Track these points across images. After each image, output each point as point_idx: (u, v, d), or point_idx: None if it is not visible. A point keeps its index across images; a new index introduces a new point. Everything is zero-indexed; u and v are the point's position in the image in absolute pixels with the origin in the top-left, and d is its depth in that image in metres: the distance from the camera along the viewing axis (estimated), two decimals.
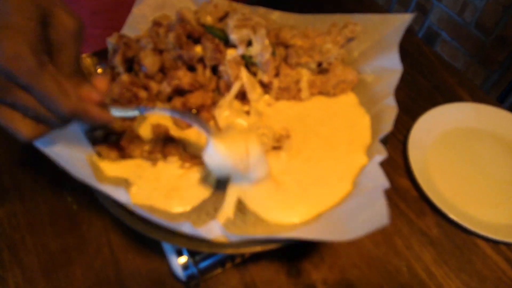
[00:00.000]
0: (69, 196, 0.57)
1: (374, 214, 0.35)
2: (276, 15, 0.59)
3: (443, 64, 0.78)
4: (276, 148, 0.47)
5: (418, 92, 0.72)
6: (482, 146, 0.63)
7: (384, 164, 0.56)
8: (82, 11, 0.77)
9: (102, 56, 0.74)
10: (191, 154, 0.46)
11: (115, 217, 0.41)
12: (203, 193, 0.43)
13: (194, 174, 0.44)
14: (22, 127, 0.36)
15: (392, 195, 0.57)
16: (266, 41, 0.48)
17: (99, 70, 0.57)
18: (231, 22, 0.48)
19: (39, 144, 0.40)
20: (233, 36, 0.48)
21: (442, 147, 0.62)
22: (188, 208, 0.42)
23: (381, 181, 0.38)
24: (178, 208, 0.42)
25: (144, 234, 0.39)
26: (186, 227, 0.37)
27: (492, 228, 0.52)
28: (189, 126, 0.49)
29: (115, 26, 0.77)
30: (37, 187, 0.58)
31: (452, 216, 0.52)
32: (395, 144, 0.63)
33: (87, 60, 0.74)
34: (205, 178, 0.44)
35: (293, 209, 0.43)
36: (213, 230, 0.38)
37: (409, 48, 0.79)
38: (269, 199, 0.43)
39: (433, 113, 0.64)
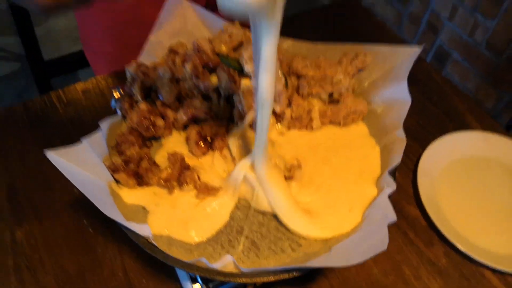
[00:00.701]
0: (85, 219, 0.59)
1: (377, 242, 0.38)
2: (288, 44, 0.61)
3: (453, 90, 0.79)
4: (288, 178, 0.48)
5: (428, 119, 0.73)
6: (490, 175, 0.64)
7: (393, 193, 0.57)
8: (96, 28, 0.80)
9: (116, 77, 0.76)
10: (205, 184, 0.47)
11: (135, 244, 0.43)
12: (218, 223, 0.45)
13: (209, 204, 0.46)
14: None
15: (402, 224, 0.58)
16: (279, 72, 0.50)
17: (115, 94, 0.59)
18: (245, 53, 0.50)
19: (65, 173, 0.42)
20: (248, 67, 0.50)
21: (451, 176, 0.63)
22: (204, 239, 0.44)
23: (389, 215, 0.39)
24: (195, 239, 0.44)
25: (163, 261, 0.41)
26: (203, 262, 0.39)
27: (499, 259, 0.53)
28: (204, 154, 0.50)
29: (126, 44, 0.79)
30: (54, 209, 0.60)
31: (460, 246, 0.53)
32: (405, 172, 0.64)
33: (101, 83, 0.77)
34: (219, 209, 0.46)
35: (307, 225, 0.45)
36: (227, 263, 0.39)
37: (418, 74, 0.80)
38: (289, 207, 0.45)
39: (442, 141, 0.65)
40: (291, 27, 0.76)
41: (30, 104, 0.74)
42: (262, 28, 0.35)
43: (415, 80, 0.79)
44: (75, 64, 2.00)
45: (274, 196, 0.46)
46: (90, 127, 0.69)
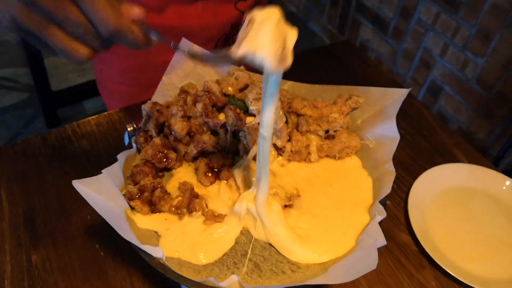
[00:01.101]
0: (97, 244, 0.63)
1: (369, 262, 0.42)
2: (288, 85, 0.67)
3: (441, 126, 0.84)
4: (288, 206, 0.53)
5: (418, 152, 0.78)
6: (476, 205, 0.68)
7: (386, 221, 0.62)
8: (112, 70, 0.86)
9: (128, 112, 0.82)
10: (213, 211, 0.52)
11: (144, 267, 0.47)
12: (224, 248, 0.50)
13: (215, 230, 0.51)
14: (79, 46, 0.36)
15: (394, 249, 0.62)
16: (281, 112, 0.55)
17: (129, 128, 0.64)
18: (250, 95, 0.56)
19: (89, 200, 0.47)
20: (252, 107, 0.55)
21: (440, 205, 0.68)
22: (211, 261, 0.48)
23: (379, 239, 0.44)
24: (203, 261, 0.48)
25: (174, 281, 0.45)
26: (211, 281, 0.44)
27: (486, 282, 0.57)
28: (212, 183, 0.55)
29: (140, 84, 0.85)
30: (68, 234, 0.64)
31: (449, 270, 0.57)
32: (397, 201, 0.69)
33: (114, 117, 0.82)
34: (226, 235, 0.51)
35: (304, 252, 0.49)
36: (233, 283, 0.44)
37: (410, 110, 0.86)
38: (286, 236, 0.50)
39: (431, 173, 0.70)
40: (293, 67, 0.83)
41: (47, 136, 0.79)
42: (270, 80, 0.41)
43: (407, 116, 0.85)
44: (81, 95, 2.08)
45: (272, 232, 0.50)
46: (102, 158, 0.75)
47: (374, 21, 2.12)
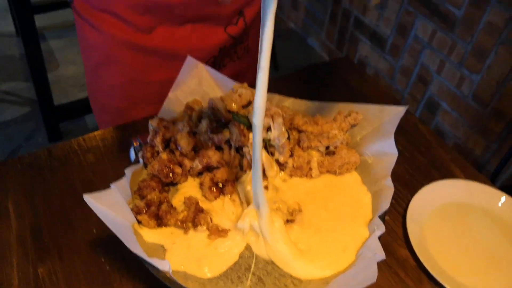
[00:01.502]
0: (103, 257, 0.64)
1: (368, 276, 0.44)
2: (289, 102, 0.69)
3: (438, 142, 0.86)
4: (290, 221, 0.54)
5: (416, 168, 0.80)
6: (473, 220, 0.70)
7: (385, 235, 0.63)
8: (104, 85, 0.86)
9: (132, 126, 0.84)
10: (217, 226, 0.54)
11: (149, 280, 0.48)
12: (228, 262, 0.51)
13: (220, 244, 0.52)
14: None
15: (393, 264, 0.64)
16: (283, 128, 0.58)
17: (135, 143, 0.66)
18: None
19: (99, 214, 0.48)
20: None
21: (438, 220, 0.69)
22: (216, 274, 0.50)
23: (378, 253, 0.46)
24: (208, 274, 0.50)
25: None
26: None
27: None
28: (216, 198, 0.57)
29: (131, 100, 0.85)
30: (74, 247, 0.66)
31: (447, 285, 0.59)
32: (395, 216, 0.70)
33: (118, 132, 0.84)
34: (230, 250, 0.52)
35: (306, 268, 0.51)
36: None
37: (407, 127, 0.88)
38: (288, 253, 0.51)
39: (429, 189, 0.72)
40: (293, 83, 0.86)
41: (53, 150, 0.81)
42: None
43: (404, 132, 0.87)
44: (83, 109, 2.10)
45: (274, 248, 0.52)
46: (108, 171, 0.76)
47: (372, 38, 2.16)
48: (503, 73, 1.57)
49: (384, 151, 0.60)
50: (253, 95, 0.64)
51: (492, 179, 1.59)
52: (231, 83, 0.67)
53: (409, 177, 0.79)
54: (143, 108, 0.81)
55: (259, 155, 0.49)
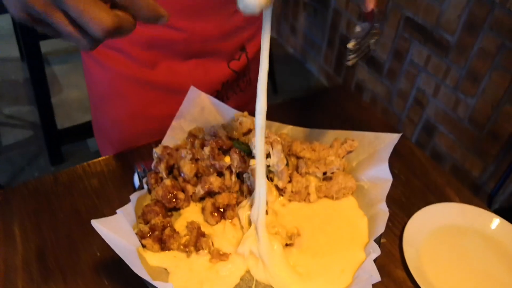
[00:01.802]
0: (106, 280, 0.65)
1: None
2: (288, 129, 0.72)
3: (433, 166, 0.89)
4: (289, 245, 0.56)
5: (412, 191, 0.82)
6: (468, 243, 0.72)
7: (382, 257, 0.65)
8: (105, 118, 0.88)
9: (136, 153, 0.86)
10: (218, 250, 0.56)
11: None
12: (229, 284, 0.53)
13: (221, 267, 0.54)
14: (82, 37, 0.35)
15: (390, 285, 0.65)
16: (282, 155, 0.60)
17: (138, 169, 0.69)
18: (253, 139, 0.60)
19: (106, 239, 0.50)
20: (255, 151, 0.60)
21: (434, 243, 0.71)
22: None
23: (374, 275, 0.48)
24: None
25: None
26: None
27: None
28: (217, 222, 0.59)
29: (131, 132, 0.86)
30: (78, 270, 0.67)
31: None
32: (392, 238, 0.72)
33: (122, 158, 0.86)
34: (231, 273, 0.54)
35: None
36: None
37: (402, 151, 0.91)
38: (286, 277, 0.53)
39: (424, 212, 0.74)
40: (292, 109, 0.89)
41: (59, 175, 0.83)
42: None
43: (400, 156, 0.90)
44: (85, 133, 2.13)
45: (273, 273, 0.54)
46: (112, 196, 0.78)
47: (369, 62, 2.21)
48: (498, 96, 1.61)
49: (379, 177, 0.62)
50: (253, 123, 0.67)
51: (490, 201, 1.61)
52: (232, 112, 0.70)
53: (405, 200, 0.81)
54: (144, 140, 0.83)
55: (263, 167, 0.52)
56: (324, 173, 0.64)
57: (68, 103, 2.41)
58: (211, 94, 0.83)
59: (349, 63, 0.57)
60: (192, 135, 0.66)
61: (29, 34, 1.71)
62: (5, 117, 2.35)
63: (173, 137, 0.68)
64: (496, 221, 0.74)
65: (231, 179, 0.61)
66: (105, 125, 0.89)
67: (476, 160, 1.79)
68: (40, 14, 0.35)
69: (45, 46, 1.93)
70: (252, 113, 0.73)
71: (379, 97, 2.20)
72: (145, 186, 0.62)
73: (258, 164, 0.54)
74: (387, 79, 2.12)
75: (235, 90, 0.88)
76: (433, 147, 1.97)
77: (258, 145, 0.53)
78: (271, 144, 0.60)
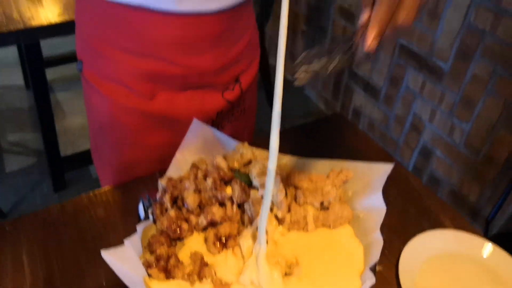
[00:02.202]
0: None
1: None
2: (286, 159, 0.75)
3: (428, 193, 0.92)
4: (288, 274, 0.59)
5: (407, 218, 0.85)
6: (463, 269, 0.74)
7: (379, 285, 0.67)
8: (105, 145, 0.91)
9: (141, 182, 0.89)
10: (220, 279, 0.58)
11: None
12: None
13: None
14: None
15: None
16: (281, 185, 0.63)
17: (144, 199, 0.72)
18: (254, 171, 0.64)
19: (114, 269, 0.53)
20: (256, 181, 0.63)
21: (429, 269, 0.73)
22: None
23: None
24: None
25: None
26: None
27: None
28: (219, 252, 0.62)
29: (129, 160, 0.88)
30: None
31: None
32: (388, 266, 0.74)
33: (127, 188, 0.89)
34: None
35: None
36: None
37: (397, 178, 0.94)
38: None
39: (419, 239, 0.76)
40: (290, 138, 0.92)
41: (65, 205, 0.86)
42: None
43: (395, 184, 0.92)
44: (88, 160, 2.16)
45: None
46: (117, 225, 0.81)
47: (366, 89, 2.26)
48: (492, 122, 1.65)
49: (374, 206, 0.65)
50: (253, 154, 0.71)
51: (487, 226, 1.63)
52: (233, 143, 0.74)
53: (400, 227, 0.83)
54: (143, 167, 0.87)
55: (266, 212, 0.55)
56: (321, 203, 0.67)
57: (71, 130, 2.46)
58: (206, 123, 0.87)
59: (297, 83, 0.58)
60: (195, 166, 0.69)
61: (36, 62, 1.76)
62: (9, 144, 2.39)
63: (177, 168, 0.71)
64: (490, 249, 0.76)
65: (232, 209, 0.64)
66: (104, 152, 0.92)
67: (473, 185, 1.81)
68: None
69: (50, 73, 1.99)
70: (250, 142, 0.76)
71: (377, 122, 2.24)
72: (151, 217, 0.65)
73: (264, 209, 0.57)
74: (384, 105, 2.17)
75: (230, 119, 0.92)
76: (431, 171, 2.00)
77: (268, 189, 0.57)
78: None
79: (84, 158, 2.16)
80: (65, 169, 2.11)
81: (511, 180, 1.52)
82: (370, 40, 0.50)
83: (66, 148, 2.28)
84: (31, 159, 2.30)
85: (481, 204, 1.77)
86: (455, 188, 1.88)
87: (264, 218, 0.57)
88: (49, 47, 2.19)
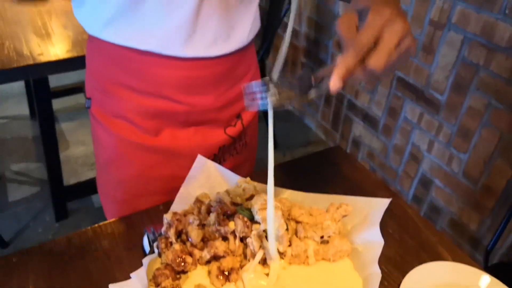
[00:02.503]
0: None
1: None
2: (287, 193, 0.78)
3: (426, 225, 0.94)
4: None
5: (406, 250, 0.86)
6: None
7: None
8: (110, 179, 0.94)
9: (145, 215, 0.91)
10: None
11: None
12: None
13: None
14: None
15: None
16: (282, 220, 0.66)
17: (149, 232, 0.74)
18: (256, 206, 0.66)
19: None
20: (258, 216, 0.66)
21: None
22: None
23: None
24: None
25: None
26: None
27: None
28: (222, 285, 0.63)
29: (133, 193, 0.92)
30: None
31: None
32: None
33: (132, 221, 0.91)
34: None
35: None
36: None
37: (396, 211, 0.96)
38: None
39: (418, 271, 0.78)
40: (291, 171, 0.95)
41: (71, 238, 0.88)
42: None
43: (394, 216, 0.94)
44: (91, 189, 2.18)
45: None
46: (122, 259, 0.82)
47: (365, 119, 2.30)
48: (489, 152, 1.68)
49: (372, 240, 0.67)
50: (255, 189, 0.73)
51: (487, 256, 1.63)
52: (235, 178, 0.76)
53: (399, 259, 0.84)
54: (147, 199, 0.89)
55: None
56: (321, 237, 0.69)
57: (74, 159, 2.49)
58: (209, 157, 0.89)
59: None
60: (198, 201, 0.72)
61: (43, 94, 1.81)
62: (12, 173, 2.41)
63: (182, 202, 0.74)
64: (487, 280, 0.78)
65: (235, 243, 0.66)
66: (109, 184, 0.95)
67: (473, 214, 1.82)
68: None
69: (55, 104, 2.03)
70: (252, 176, 0.79)
71: (376, 152, 2.27)
72: (156, 250, 0.67)
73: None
74: (382, 135, 2.20)
75: (232, 153, 0.95)
76: (431, 200, 2.02)
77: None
78: None
79: (86, 188, 2.18)
80: (67, 198, 2.13)
81: (510, 210, 1.53)
82: (334, 80, 0.53)
83: (69, 178, 2.31)
84: (34, 188, 2.32)
85: (481, 233, 1.78)
86: (455, 217, 1.89)
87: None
88: (55, 78, 2.25)
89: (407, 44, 0.53)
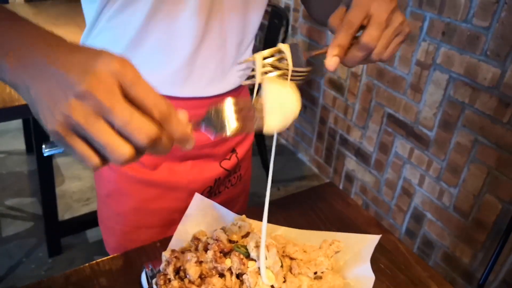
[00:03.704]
0: None
1: None
2: (281, 230, 0.81)
3: (416, 260, 0.96)
4: None
5: (397, 285, 0.88)
6: None
7: None
8: (110, 211, 0.96)
9: (142, 251, 0.93)
10: None
11: None
12: None
13: None
14: (123, 144, 0.37)
15: None
16: (277, 257, 0.68)
17: (147, 269, 0.76)
18: (251, 243, 0.69)
19: None
20: (253, 254, 0.68)
21: None
22: None
23: None
24: None
25: None
26: None
27: None
28: None
29: (133, 225, 0.95)
30: None
31: None
32: None
33: (130, 256, 0.93)
34: None
35: None
36: None
37: (387, 245, 0.98)
38: None
39: None
40: (284, 208, 0.98)
41: (69, 275, 0.89)
42: None
43: (385, 252, 0.97)
44: (85, 224, 2.18)
45: None
46: None
47: (357, 154, 2.35)
48: (477, 187, 1.72)
49: (363, 275, 0.70)
50: (250, 226, 0.76)
51: None
52: (232, 215, 0.79)
53: None
54: (145, 231, 0.92)
55: None
56: (315, 273, 0.71)
57: (69, 194, 2.49)
58: (205, 190, 0.93)
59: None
60: (196, 238, 0.74)
61: (41, 130, 1.84)
62: (7, 208, 2.41)
63: (179, 239, 0.76)
64: None
65: (231, 280, 0.68)
66: (109, 217, 0.98)
67: (466, 247, 1.84)
68: (81, 125, 0.36)
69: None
70: (246, 213, 0.82)
71: (369, 186, 2.30)
72: (154, 287, 0.69)
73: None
74: (375, 170, 2.25)
75: (227, 185, 0.99)
76: (424, 234, 2.04)
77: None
78: (267, 247, 0.69)
79: (81, 223, 2.18)
80: (62, 234, 2.12)
81: (501, 244, 1.56)
82: (330, 57, 0.56)
83: (63, 213, 2.31)
84: (28, 224, 2.31)
85: (474, 267, 1.80)
86: (448, 250, 1.91)
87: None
88: None
89: (399, 20, 0.55)
